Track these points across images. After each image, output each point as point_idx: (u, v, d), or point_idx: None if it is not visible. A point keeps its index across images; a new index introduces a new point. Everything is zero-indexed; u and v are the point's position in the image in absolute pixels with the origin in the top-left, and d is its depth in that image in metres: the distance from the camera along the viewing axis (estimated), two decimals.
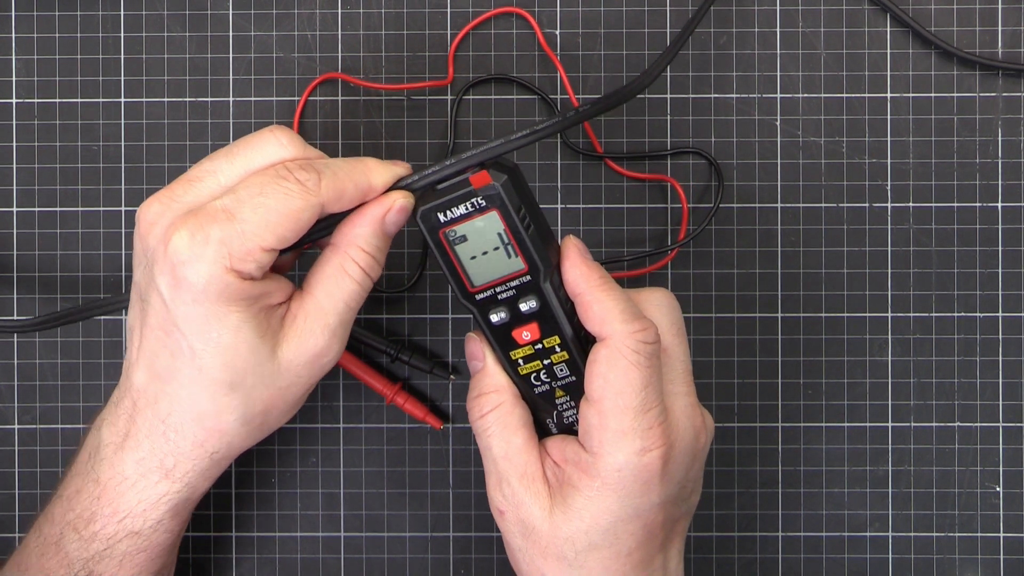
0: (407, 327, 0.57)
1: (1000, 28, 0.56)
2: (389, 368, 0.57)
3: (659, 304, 0.47)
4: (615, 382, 0.44)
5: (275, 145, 0.44)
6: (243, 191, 0.42)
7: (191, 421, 0.44)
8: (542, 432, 0.48)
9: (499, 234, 0.44)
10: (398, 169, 0.45)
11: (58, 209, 0.57)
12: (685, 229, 0.56)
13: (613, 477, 0.44)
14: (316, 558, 0.57)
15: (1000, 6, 0.56)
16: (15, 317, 0.57)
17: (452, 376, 0.56)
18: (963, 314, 0.56)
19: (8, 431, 0.57)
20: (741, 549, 0.57)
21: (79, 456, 0.47)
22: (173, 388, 0.43)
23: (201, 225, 0.41)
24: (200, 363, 0.42)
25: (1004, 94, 0.56)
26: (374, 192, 0.44)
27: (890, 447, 0.57)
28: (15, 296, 0.57)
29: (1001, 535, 0.57)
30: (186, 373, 0.43)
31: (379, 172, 0.44)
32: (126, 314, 0.48)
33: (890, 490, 0.57)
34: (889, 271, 0.56)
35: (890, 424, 0.57)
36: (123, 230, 0.57)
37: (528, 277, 0.45)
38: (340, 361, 0.56)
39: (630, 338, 0.44)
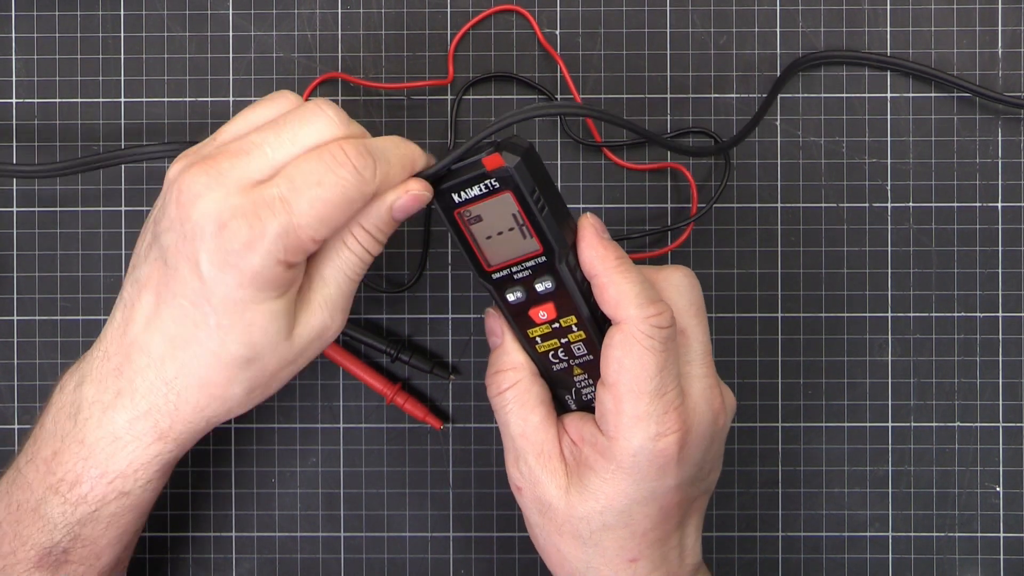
0: (407, 327, 0.57)
1: (1000, 28, 0.56)
2: (389, 368, 0.57)
3: (677, 284, 0.47)
4: (630, 367, 0.44)
5: (324, 121, 0.43)
6: (299, 178, 0.41)
7: (196, 387, 0.43)
8: (561, 408, 0.48)
9: (513, 215, 0.44)
10: (431, 159, 0.45)
11: (58, 209, 0.57)
12: (695, 208, 0.56)
13: (628, 462, 0.44)
14: (316, 558, 0.57)
15: (1000, 6, 0.56)
16: (35, 164, 0.57)
17: (452, 376, 0.56)
18: (963, 314, 0.56)
19: (8, 431, 0.57)
20: (741, 549, 0.57)
21: (49, 415, 0.46)
22: (187, 356, 0.43)
23: (260, 216, 0.40)
24: (223, 338, 0.42)
25: (1004, 94, 0.56)
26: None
27: (890, 447, 0.57)
28: (15, 296, 0.57)
29: (1001, 535, 0.57)
30: (206, 346, 0.42)
31: (422, 160, 0.44)
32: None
33: (890, 490, 0.57)
34: (889, 271, 0.56)
35: (890, 424, 0.57)
36: (123, 230, 0.57)
37: (543, 258, 0.45)
38: (340, 361, 0.56)
39: (644, 323, 0.44)
